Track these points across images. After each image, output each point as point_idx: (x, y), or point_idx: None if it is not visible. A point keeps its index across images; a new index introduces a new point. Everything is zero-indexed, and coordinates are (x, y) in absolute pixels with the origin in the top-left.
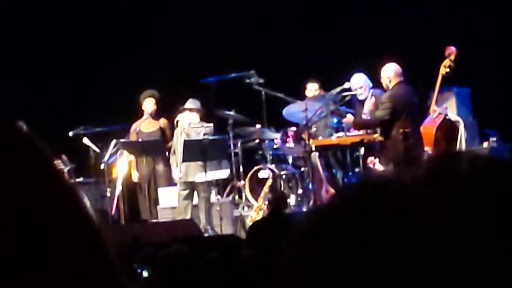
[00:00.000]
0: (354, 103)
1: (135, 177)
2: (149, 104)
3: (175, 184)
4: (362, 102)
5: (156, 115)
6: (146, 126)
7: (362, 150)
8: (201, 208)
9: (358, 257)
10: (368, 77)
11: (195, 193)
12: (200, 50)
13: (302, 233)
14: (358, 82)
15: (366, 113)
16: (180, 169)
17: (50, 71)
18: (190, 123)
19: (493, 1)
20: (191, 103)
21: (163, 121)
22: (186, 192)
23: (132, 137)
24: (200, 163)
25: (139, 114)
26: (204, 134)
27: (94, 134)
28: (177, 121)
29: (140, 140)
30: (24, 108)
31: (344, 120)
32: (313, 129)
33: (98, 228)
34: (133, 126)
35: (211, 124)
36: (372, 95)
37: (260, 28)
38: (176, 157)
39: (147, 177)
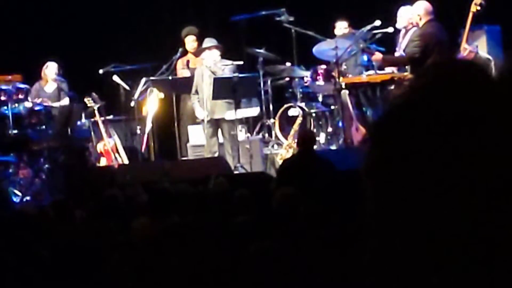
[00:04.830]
0: (396, 40)
1: (164, 115)
2: (189, 42)
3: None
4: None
5: (198, 52)
6: (193, 63)
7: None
8: (227, 146)
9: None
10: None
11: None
12: None
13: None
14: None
15: (398, 50)
16: (206, 106)
17: (81, 8)
18: (215, 61)
19: None
20: (207, 42)
21: None
22: (211, 130)
23: (182, 73)
24: (226, 100)
25: (169, 52)
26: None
27: (124, 71)
28: (202, 60)
29: (169, 77)
30: (56, 46)
31: (372, 57)
32: (343, 67)
33: None
34: (180, 63)
35: (230, 61)
36: (406, 32)
37: None
38: (202, 96)
39: (177, 115)
